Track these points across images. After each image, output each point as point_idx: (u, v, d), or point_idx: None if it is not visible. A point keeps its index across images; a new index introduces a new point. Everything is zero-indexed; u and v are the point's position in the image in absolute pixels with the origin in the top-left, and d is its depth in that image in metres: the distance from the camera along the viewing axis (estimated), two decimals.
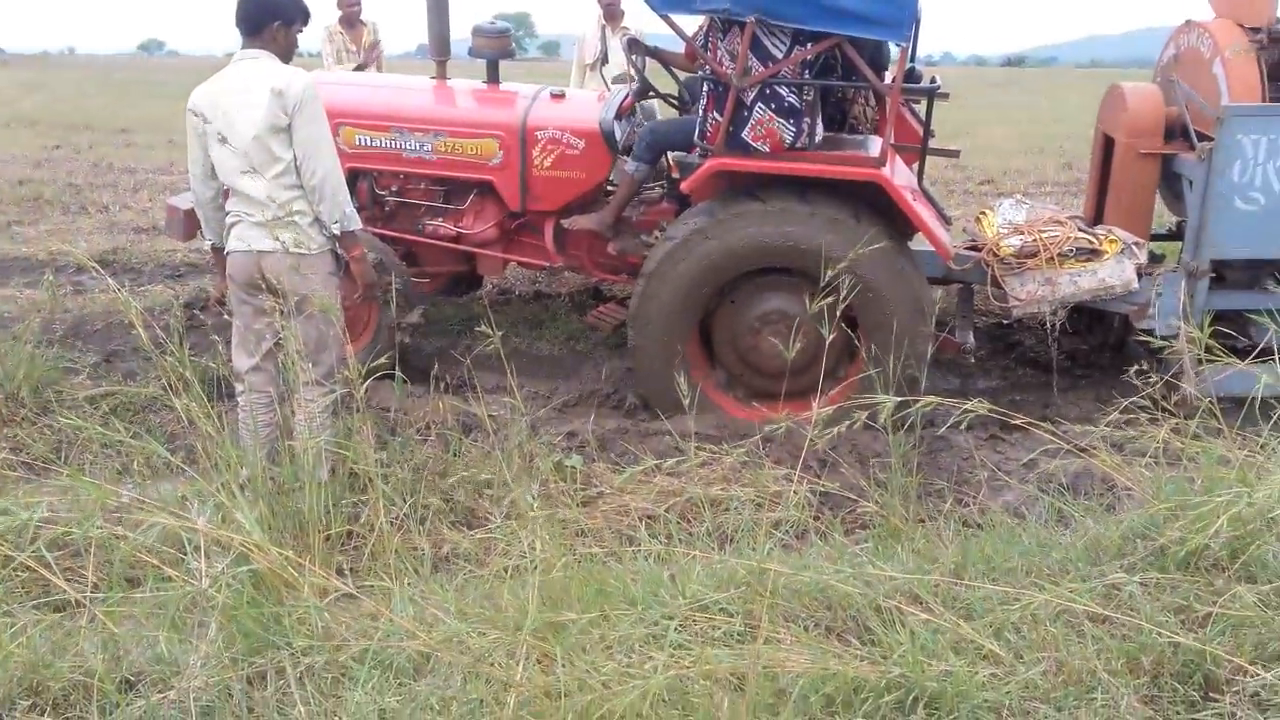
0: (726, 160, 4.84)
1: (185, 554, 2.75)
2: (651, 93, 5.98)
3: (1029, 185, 12.11)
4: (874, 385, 4.60)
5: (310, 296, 3.96)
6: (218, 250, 4.30)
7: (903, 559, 3.14)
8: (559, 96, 5.90)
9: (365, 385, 3.43)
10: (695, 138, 5.08)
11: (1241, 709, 2.41)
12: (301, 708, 2.30)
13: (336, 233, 4.12)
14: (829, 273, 3.26)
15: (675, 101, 6.02)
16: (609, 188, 5.83)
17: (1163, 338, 4.92)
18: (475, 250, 5.85)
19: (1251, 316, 4.62)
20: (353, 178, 5.75)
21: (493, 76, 6.03)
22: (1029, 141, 16.42)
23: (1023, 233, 5.35)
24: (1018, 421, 3.70)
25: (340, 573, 3.10)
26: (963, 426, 3.23)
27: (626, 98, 5.79)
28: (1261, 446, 3.41)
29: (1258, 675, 2.45)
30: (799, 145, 4.85)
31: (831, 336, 3.16)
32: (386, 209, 5.86)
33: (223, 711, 2.38)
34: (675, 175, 5.70)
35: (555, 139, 5.57)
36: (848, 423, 3.23)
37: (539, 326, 6.61)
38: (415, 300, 5.63)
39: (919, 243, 5.19)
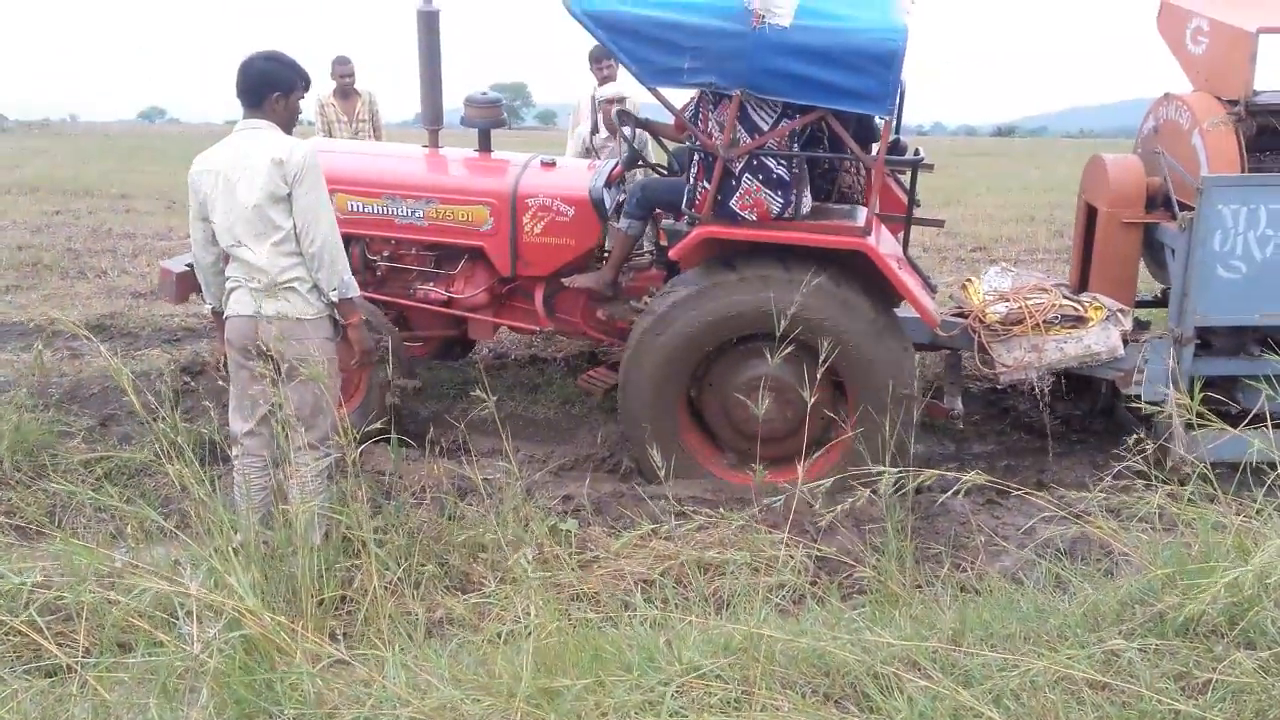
0: (714, 228, 4.90)
1: (177, 619, 2.72)
2: (640, 162, 6.08)
3: (1020, 253, 12.22)
4: (861, 450, 4.63)
5: (306, 362, 3.98)
6: (217, 314, 4.33)
7: (900, 625, 3.12)
8: (549, 165, 5.99)
9: (360, 449, 3.43)
10: (684, 206, 5.15)
11: None
12: None
13: (334, 300, 4.15)
14: (824, 343, 3.28)
15: (664, 172, 6.12)
16: (599, 254, 5.89)
17: (1150, 403, 4.95)
18: (466, 314, 5.89)
19: (1249, 382, 4.66)
20: (345, 243, 5.79)
21: (484, 145, 6.12)
22: (1020, 210, 16.59)
23: (1008, 300, 5.41)
24: (1015, 491, 3.72)
25: (333, 638, 3.07)
26: (961, 494, 3.22)
27: (616, 166, 5.88)
28: (1257, 512, 3.41)
29: None
30: (786, 215, 4.91)
31: (813, 401, 3.16)
32: (378, 274, 5.91)
33: None
34: (664, 243, 5.77)
35: (545, 206, 5.64)
36: (852, 500, 3.26)
37: (535, 391, 6.62)
38: (408, 363, 5.65)
39: (906, 310, 5.24)
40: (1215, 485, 3.39)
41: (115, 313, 8.58)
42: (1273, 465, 3.43)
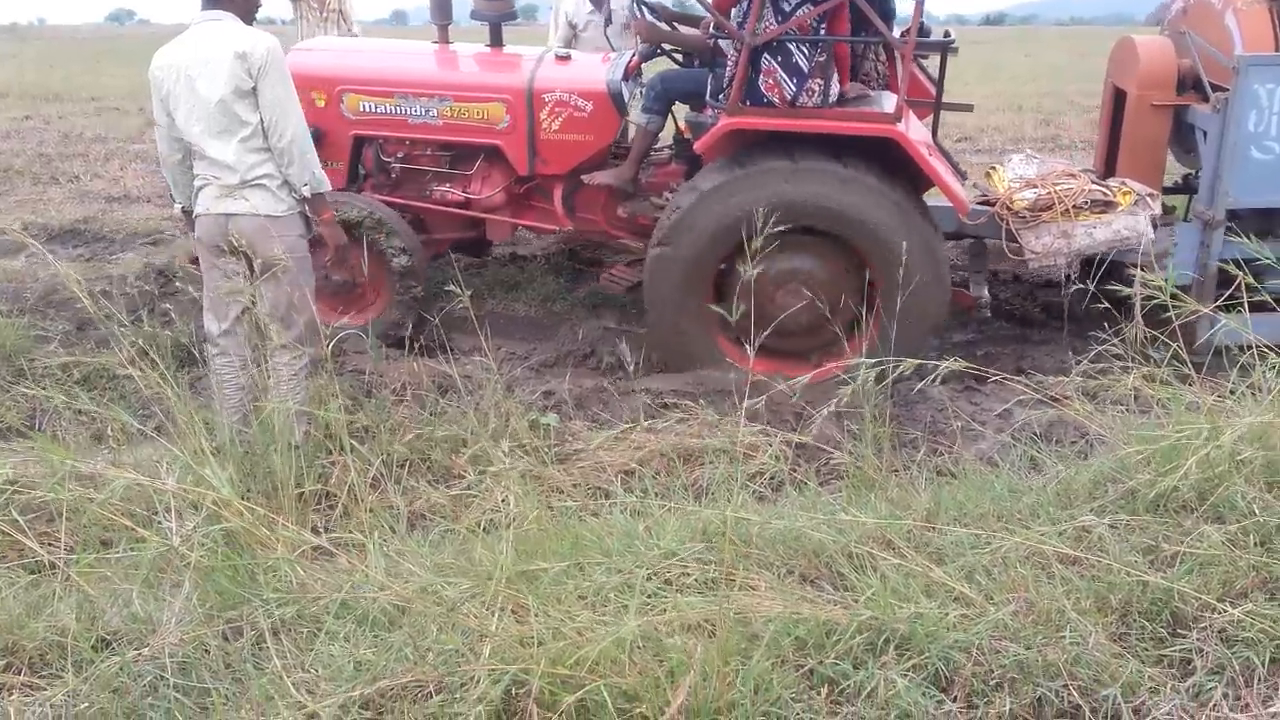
0: (739, 120, 4.80)
1: (157, 515, 2.73)
2: (659, 52, 5.92)
3: (1006, 142, 12.12)
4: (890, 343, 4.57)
5: (279, 259, 3.93)
6: (187, 213, 4.26)
7: (876, 507, 3.15)
8: (564, 59, 5.83)
9: (331, 345, 3.42)
10: (708, 97, 5.03)
11: (1208, 644, 2.44)
12: (277, 660, 2.30)
13: (306, 195, 4.08)
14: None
15: (680, 62, 5.98)
16: (616, 150, 5.78)
17: (1179, 287, 4.93)
18: (484, 215, 5.80)
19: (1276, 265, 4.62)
20: (358, 145, 5.69)
21: (496, 39, 5.94)
22: (1007, 99, 16.39)
23: (1036, 186, 5.33)
24: (993, 377, 3.73)
25: (315, 532, 3.09)
26: (939, 381, 3.23)
27: (633, 58, 5.73)
28: (1230, 391, 3.44)
29: (1224, 611, 2.48)
30: (803, 103, 4.81)
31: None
32: (393, 176, 5.78)
33: (198, 666, 2.38)
34: (686, 136, 5.66)
35: (563, 101, 5.50)
36: (837, 398, 3.28)
37: (515, 289, 6.58)
38: (425, 274, 5.58)
39: (933, 198, 5.18)
40: (1190, 367, 3.41)
41: (89, 217, 8.47)
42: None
